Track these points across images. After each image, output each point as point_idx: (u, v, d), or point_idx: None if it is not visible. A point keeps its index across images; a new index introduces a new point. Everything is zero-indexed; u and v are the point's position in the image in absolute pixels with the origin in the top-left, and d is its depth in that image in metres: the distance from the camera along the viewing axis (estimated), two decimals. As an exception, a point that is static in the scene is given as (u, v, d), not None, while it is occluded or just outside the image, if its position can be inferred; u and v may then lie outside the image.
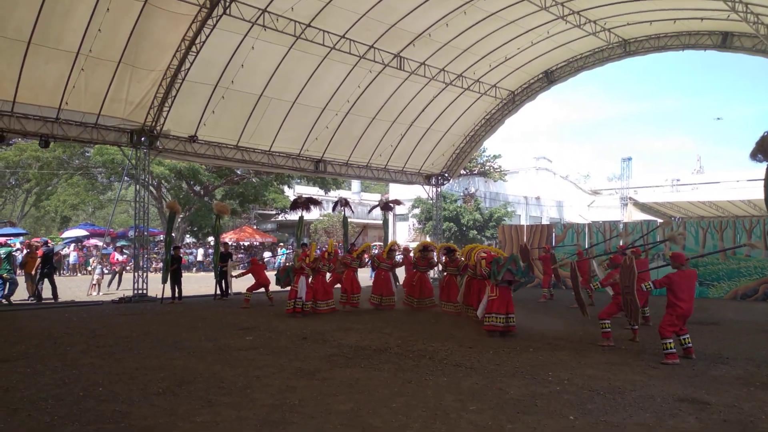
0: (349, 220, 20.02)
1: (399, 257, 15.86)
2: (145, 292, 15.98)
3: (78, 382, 6.78)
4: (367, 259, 15.46)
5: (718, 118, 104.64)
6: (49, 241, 24.36)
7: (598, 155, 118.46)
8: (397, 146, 21.11)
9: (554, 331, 11.11)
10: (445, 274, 14.04)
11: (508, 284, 10.49)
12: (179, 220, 32.78)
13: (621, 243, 17.26)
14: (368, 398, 6.25)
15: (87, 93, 14.62)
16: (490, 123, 22.03)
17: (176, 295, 15.63)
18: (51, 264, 16.37)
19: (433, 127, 21.20)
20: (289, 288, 12.84)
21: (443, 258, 14.07)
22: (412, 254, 14.93)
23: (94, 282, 18.84)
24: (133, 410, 5.74)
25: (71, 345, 9.17)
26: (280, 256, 29.82)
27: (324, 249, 14.13)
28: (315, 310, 13.02)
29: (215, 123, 17.03)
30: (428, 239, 17.03)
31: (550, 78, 20.65)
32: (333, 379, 7.10)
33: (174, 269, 15.58)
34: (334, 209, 18.90)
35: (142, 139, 16.09)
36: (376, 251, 15.53)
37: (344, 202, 18.94)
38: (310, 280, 12.85)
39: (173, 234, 17.73)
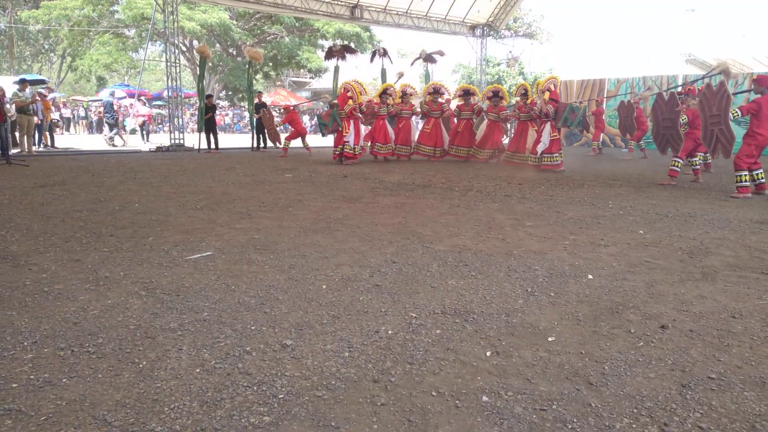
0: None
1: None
2: (182, 141, 15.73)
3: (114, 201, 6.57)
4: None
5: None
6: (133, 91, 24.47)
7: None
8: (440, -11, 19.36)
9: (609, 172, 10.46)
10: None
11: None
12: (214, 80, 32.06)
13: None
14: (416, 216, 5.86)
15: None
16: (544, -36, 19.83)
17: (212, 145, 15.34)
18: (113, 113, 17.80)
19: (481, -33, 19.24)
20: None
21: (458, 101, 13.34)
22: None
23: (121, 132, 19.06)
24: (170, 219, 5.47)
25: (109, 177, 9.00)
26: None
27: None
28: (376, 153, 12.74)
29: (244, -40, 15.71)
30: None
31: None
32: (377, 203, 6.71)
33: (208, 118, 15.16)
34: (372, 60, 17.63)
35: (169, -22, 15.02)
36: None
37: (383, 52, 17.68)
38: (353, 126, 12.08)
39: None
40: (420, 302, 3.20)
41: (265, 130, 15.59)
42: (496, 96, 12.60)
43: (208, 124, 15.21)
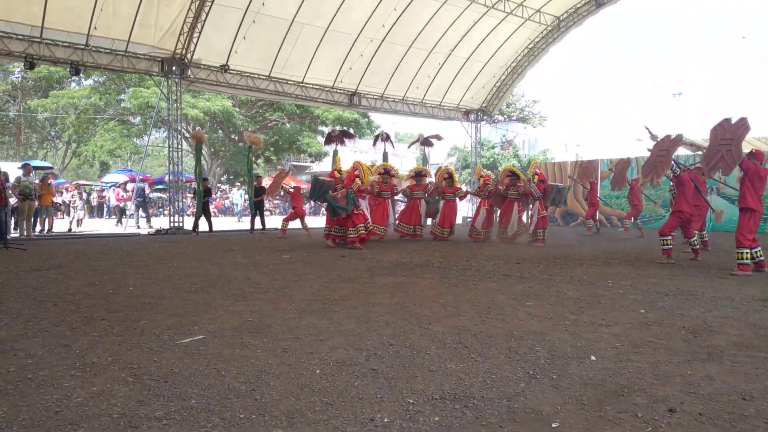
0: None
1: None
2: (181, 224, 15.82)
3: (108, 284, 6.49)
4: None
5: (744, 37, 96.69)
6: (134, 176, 25.07)
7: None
8: (434, 77, 20.14)
9: (606, 252, 10.45)
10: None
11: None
12: (215, 164, 32.72)
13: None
14: (414, 296, 5.78)
15: (115, 17, 14.12)
16: (534, 52, 20.77)
17: (198, 228, 15.44)
18: (144, 196, 18.96)
19: (473, 57, 20.10)
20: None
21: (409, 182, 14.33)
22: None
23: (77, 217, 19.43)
24: (164, 302, 5.38)
25: (105, 260, 8.96)
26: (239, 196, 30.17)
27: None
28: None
29: (246, 51, 16.39)
30: (464, 186, 16.89)
31: (598, 0, 19.23)
32: (374, 283, 6.64)
33: (204, 201, 15.38)
34: (374, 144, 18.09)
35: (173, 68, 15.64)
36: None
37: (386, 137, 18.13)
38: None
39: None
40: (418, 387, 3.08)
41: (270, 191, 15.49)
42: (514, 176, 12.84)
43: (203, 207, 15.42)
